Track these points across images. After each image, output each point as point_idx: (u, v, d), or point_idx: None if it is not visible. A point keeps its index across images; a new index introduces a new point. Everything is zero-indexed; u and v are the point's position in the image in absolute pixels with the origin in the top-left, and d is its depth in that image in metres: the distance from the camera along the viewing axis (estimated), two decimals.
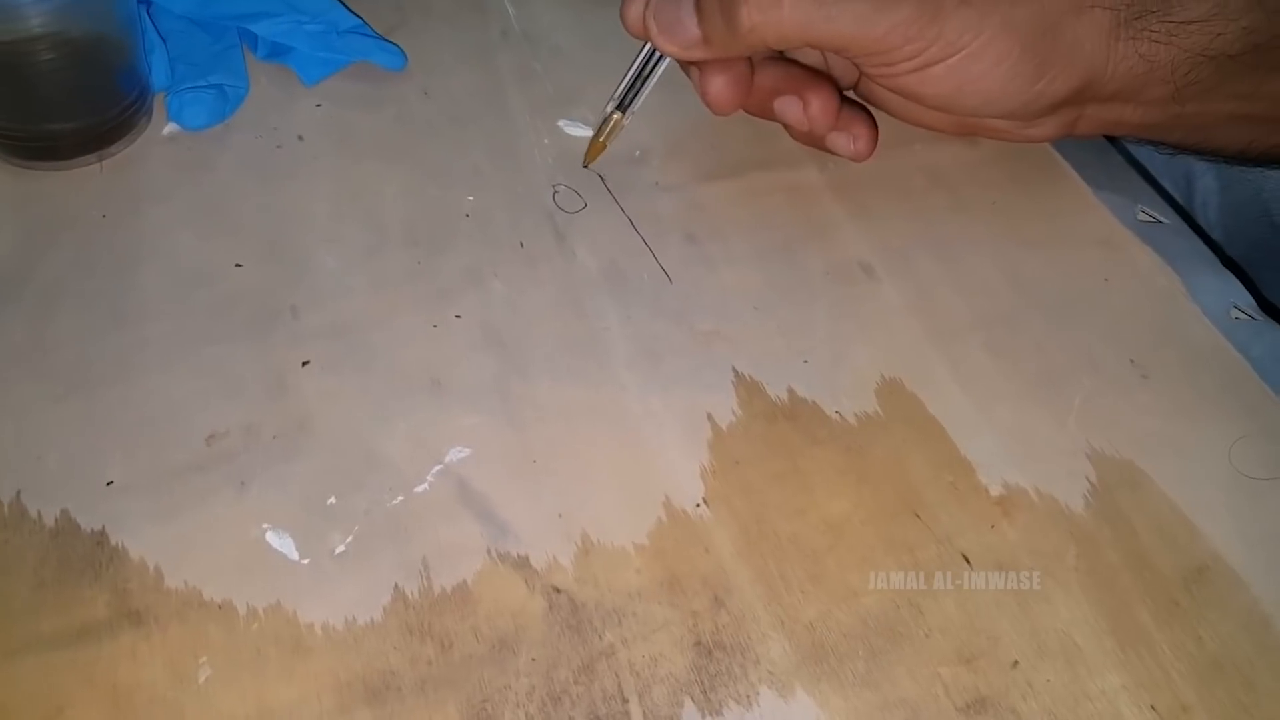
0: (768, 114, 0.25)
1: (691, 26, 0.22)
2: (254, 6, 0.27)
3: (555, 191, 0.26)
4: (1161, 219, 0.26)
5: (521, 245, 0.25)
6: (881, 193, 0.26)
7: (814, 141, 0.25)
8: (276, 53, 0.27)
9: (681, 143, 0.27)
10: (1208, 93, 0.22)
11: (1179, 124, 0.23)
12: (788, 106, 0.24)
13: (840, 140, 0.25)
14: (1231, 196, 0.33)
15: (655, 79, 0.25)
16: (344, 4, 0.28)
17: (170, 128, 0.26)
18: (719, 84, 0.24)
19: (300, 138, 0.26)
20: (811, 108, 0.24)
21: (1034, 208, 0.26)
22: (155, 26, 0.26)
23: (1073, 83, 0.22)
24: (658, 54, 0.24)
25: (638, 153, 0.27)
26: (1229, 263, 0.25)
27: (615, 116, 0.25)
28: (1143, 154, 0.29)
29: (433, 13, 0.30)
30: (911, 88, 0.23)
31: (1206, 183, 0.33)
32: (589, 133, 0.27)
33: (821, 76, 0.25)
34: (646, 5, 0.23)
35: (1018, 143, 0.26)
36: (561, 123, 0.27)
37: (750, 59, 0.24)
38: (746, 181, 0.26)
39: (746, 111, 0.26)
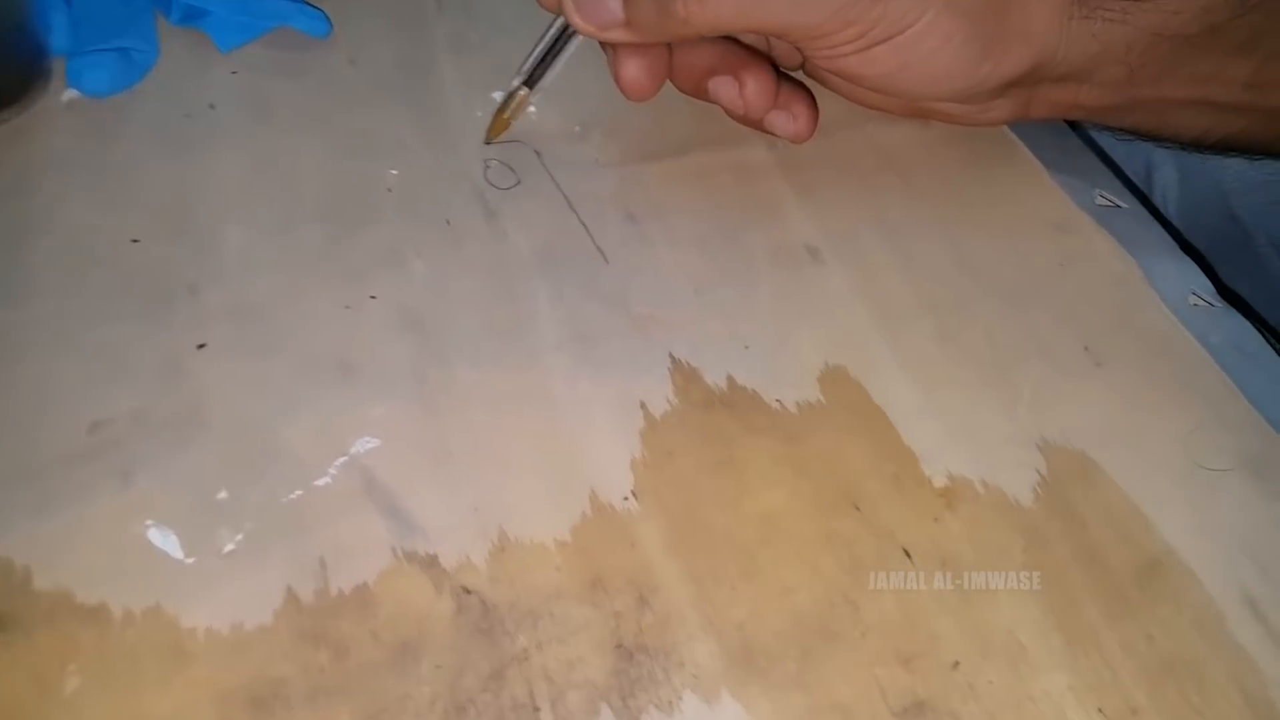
0: (702, 94, 0.24)
1: (615, 8, 0.21)
2: None
3: (487, 167, 0.24)
4: (1120, 203, 0.25)
5: (448, 223, 0.23)
6: (831, 173, 0.25)
7: (752, 122, 0.24)
8: (191, 17, 0.25)
9: (625, 118, 0.25)
10: (1164, 75, 0.21)
11: (1135, 107, 0.22)
12: (722, 87, 0.23)
13: (779, 120, 0.24)
14: (1191, 187, 0.32)
15: (567, 55, 0.23)
16: None
17: (70, 94, 0.24)
18: (634, 69, 0.22)
19: (212, 106, 0.25)
20: (747, 89, 0.23)
21: (988, 190, 0.25)
22: None
23: (1022, 64, 0.21)
24: (570, 27, 0.22)
25: (578, 128, 0.25)
26: (1189, 249, 0.24)
27: (521, 92, 0.23)
28: (1104, 143, 0.29)
29: None
30: (854, 69, 0.22)
31: (1166, 173, 0.32)
32: (527, 107, 0.26)
33: (758, 56, 0.23)
34: None
35: (971, 127, 0.25)
36: (496, 95, 0.25)
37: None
38: (692, 159, 0.25)
39: (680, 91, 0.24)
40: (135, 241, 0.22)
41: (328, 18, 0.26)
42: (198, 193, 0.23)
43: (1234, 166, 0.31)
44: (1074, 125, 0.27)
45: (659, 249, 0.23)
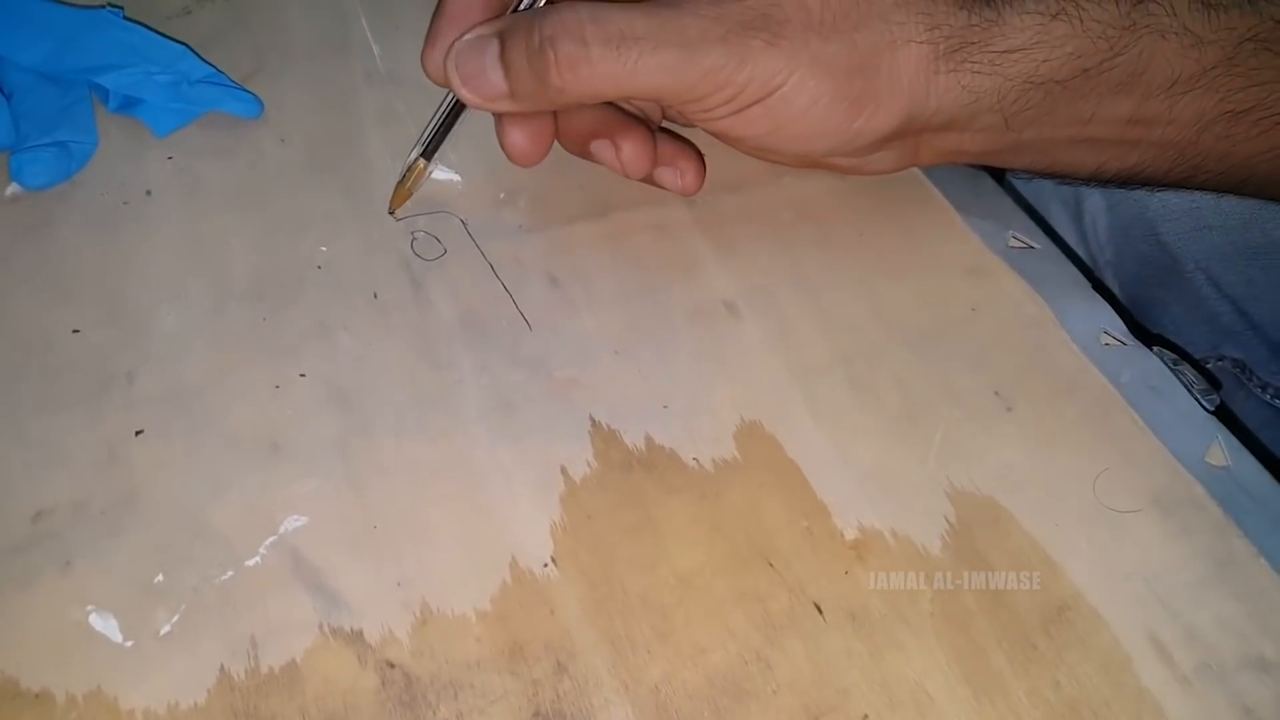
0: (587, 156, 0.25)
1: (497, 81, 0.22)
2: (104, 58, 0.26)
3: (414, 238, 0.25)
4: (1033, 244, 0.26)
5: (375, 296, 0.24)
6: (749, 228, 0.26)
7: (643, 180, 0.25)
8: (128, 105, 0.26)
9: (548, 183, 0.26)
10: (1042, 119, 0.22)
11: (1021, 149, 0.23)
12: (602, 150, 0.24)
13: (666, 176, 0.25)
14: (1119, 215, 0.33)
15: (459, 122, 0.24)
16: (197, 53, 0.27)
17: (12, 188, 0.25)
18: (517, 137, 0.23)
19: (148, 192, 0.26)
20: (623, 152, 0.24)
21: (901, 238, 0.26)
22: None
23: (894, 119, 0.21)
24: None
25: (502, 194, 0.26)
26: (1103, 288, 0.25)
27: (420, 164, 0.24)
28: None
29: (293, 56, 0.29)
30: (732, 130, 0.22)
31: (1094, 202, 0.33)
32: (452, 176, 0.26)
33: (634, 120, 0.24)
34: (448, 53, 0.22)
35: (865, 176, 0.25)
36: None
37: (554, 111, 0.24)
38: (613, 221, 0.26)
39: (569, 153, 0.25)
40: (75, 331, 0.23)
41: (258, 99, 0.27)
42: (135, 279, 0.24)
43: (1159, 194, 0.31)
44: (988, 167, 0.27)
45: (580, 311, 0.24)
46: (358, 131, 0.28)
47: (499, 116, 0.24)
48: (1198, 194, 0.30)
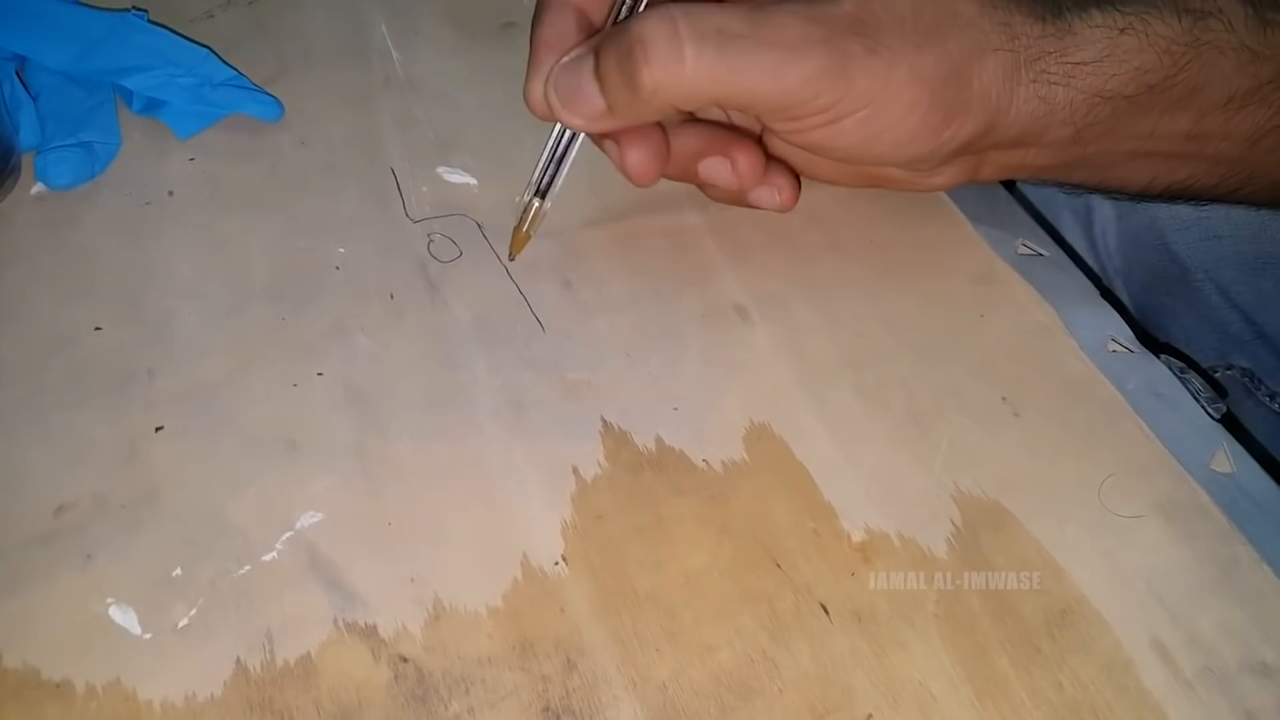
0: (691, 178, 0.24)
1: (594, 96, 0.21)
2: (128, 60, 0.27)
3: (430, 241, 0.25)
4: (1042, 251, 0.26)
5: (392, 297, 0.24)
6: (760, 234, 0.26)
7: (738, 199, 0.25)
8: (151, 107, 0.27)
9: (563, 187, 0.26)
10: (1107, 133, 0.22)
11: (1081, 165, 0.23)
12: (714, 168, 0.24)
13: (764, 194, 0.24)
14: (1129, 224, 0.33)
15: (571, 158, 0.24)
16: (220, 56, 0.27)
17: (38, 188, 0.26)
18: (637, 156, 0.23)
19: (170, 193, 0.26)
20: (739, 166, 0.23)
21: (911, 244, 0.26)
22: (26, 83, 0.26)
23: (977, 127, 0.21)
24: (569, 131, 0.23)
25: (518, 199, 0.27)
26: (1110, 295, 0.25)
27: (535, 204, 0.24)
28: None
29: (314, 60, 0.30)
30: (821, 142, 0.22)
31: (1104, 211, 0.33)
32: (468, 180, 0.27)
33: (744, 134, 0.24)
34: (547, 79, 0.22)
35: (917, 192, 0.25)
36: (440, 169, 0.27)
37: (663, 126, 0.23)
38: (626, 225, 0.26)
39: (667, 178, 0.25)
40: (98, 328, 0.23)
41: (279, 102, 0.27)
42: (156, 278, 0.24)
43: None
44: None
45: (593, 314, 0.24)
46: (377, 135, 0.28)
47: (616, 141, 0.23)
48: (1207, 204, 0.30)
